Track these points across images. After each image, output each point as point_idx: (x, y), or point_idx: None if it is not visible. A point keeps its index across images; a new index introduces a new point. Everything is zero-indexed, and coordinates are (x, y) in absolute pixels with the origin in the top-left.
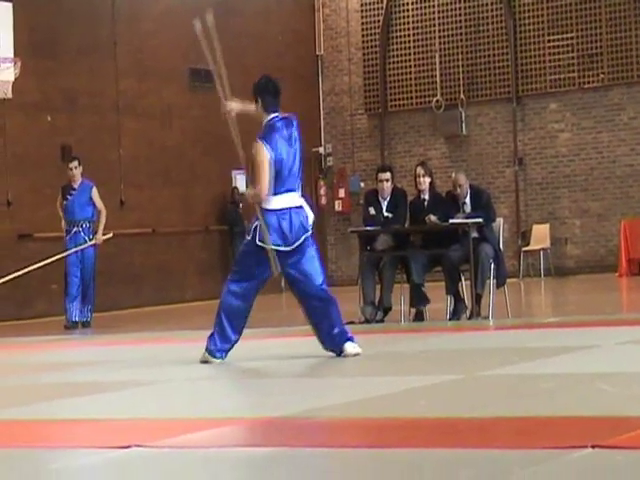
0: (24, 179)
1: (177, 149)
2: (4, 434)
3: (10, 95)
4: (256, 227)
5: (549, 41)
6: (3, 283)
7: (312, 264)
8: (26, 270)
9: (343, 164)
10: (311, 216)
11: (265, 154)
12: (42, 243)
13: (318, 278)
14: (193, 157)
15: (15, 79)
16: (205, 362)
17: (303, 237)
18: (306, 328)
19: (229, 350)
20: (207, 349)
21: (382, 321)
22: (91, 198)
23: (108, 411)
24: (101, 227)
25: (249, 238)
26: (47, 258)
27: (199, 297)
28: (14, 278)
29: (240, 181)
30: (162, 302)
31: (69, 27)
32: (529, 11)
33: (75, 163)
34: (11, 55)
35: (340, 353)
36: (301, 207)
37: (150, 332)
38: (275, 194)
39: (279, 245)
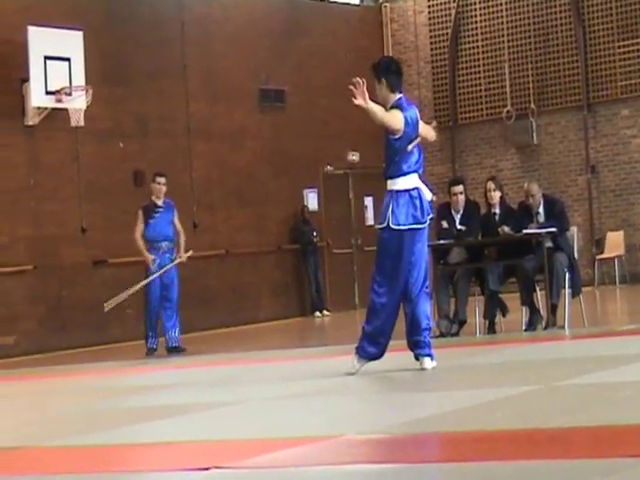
0: (98, 206)
1: (248, 170)
2: (87, 460)
3: (82, 123)
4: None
5: (619, 47)
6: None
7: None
8: (133, 289)
9: None
10: (429, 196)
11: (401, 119)
12: (116, 269)
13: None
14: (264, 177)
15: (87, 107)
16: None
17: (429, 217)
18: None
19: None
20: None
21: (457, 334)
22: (173, 218)
23: (188, 433)
24: (183, 245)
25: (384, 225)
26: (121, 284)
27: (273, 317)
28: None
29: (311, 200)
30: (236, 323)
31: (139, 52)
32: (598, 17)
33: (164, 179)
34: (83, 83)
35: (417, 360)
36: (421, 190)
37: (226, 353)
38: (403, 175)
39: (412, 224)
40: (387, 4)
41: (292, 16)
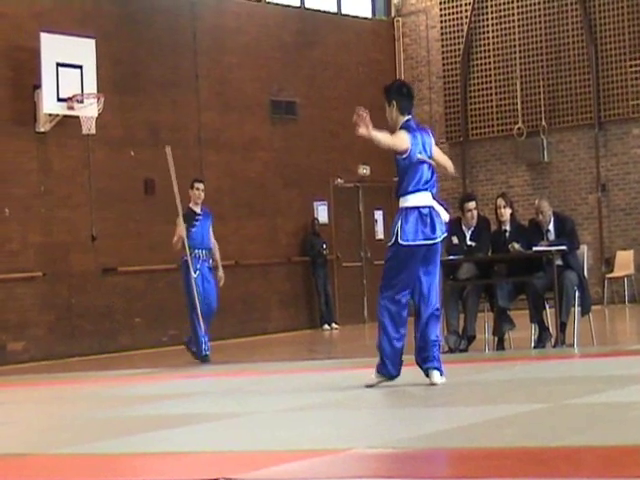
0: (108, 214)
1: (259, 181)
2: (96, 468)
3: (93, 131)
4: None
5: (631, 66)
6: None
7: (434, 274)
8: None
9: None
10: (446, 217)
11: (406, 139)
12: (126, 277)
13: (431, 294)
14: (275, 189)
15: (98, 115)
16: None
17: (442, 236)
18: None
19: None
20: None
21: (466, 350)
22: (210, 226)
23: (197, 443)
24: (219, 260)
25: (392, 241)
26: (131, 292)
27: (282, 329)
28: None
29: (321, 212)
30: (245, 334)
31: (151, 62)
32: (610, 36)
33: (202, 185)
34: (95, 91)
35: (427, 375)
36: (435, 209)
37: (235, 364)
38: (412, 192)
39: (421, 240)
40: (399, 18)
41: (304, 28)
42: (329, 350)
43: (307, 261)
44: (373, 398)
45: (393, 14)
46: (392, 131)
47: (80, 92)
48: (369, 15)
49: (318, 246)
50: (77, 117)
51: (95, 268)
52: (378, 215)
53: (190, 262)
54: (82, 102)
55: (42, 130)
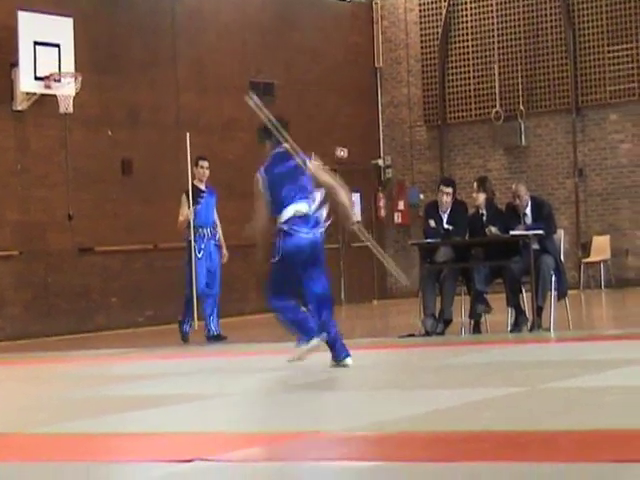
0: (85, 193)
1: (238, 163)
2: (68, 447)
3: (71, 110)
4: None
5: (609, 51)
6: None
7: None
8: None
9: (402, 176)
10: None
11: (258, 184)
12: (103, 257)
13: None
14: (254, 170)
15: (76, 94)
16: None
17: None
18: (365, 341)
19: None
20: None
21: (442, 333)
22: (215, 204)
23: (172, 424)
24: (222, 239)
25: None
26: (107, 272)
27: (260, 310)
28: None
29: None
30: (223, 314)
31: (129, 42)
32: (588, 21)
33: (207, 163)
34: (72, 70)
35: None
36: (307, 215)
37: (213, 345)
38: (282, 210)
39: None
40: (378, 1)
41: (283, 10)
42: None
43: None
44: (350, 381)
45: None
46: None
47: (57, 71)
48: None
49: None
50: (54, 96)
51: (72, 247)
52: (356, 197)
53: (194, 242)
54: (59, 81)
55: (19, 108)
